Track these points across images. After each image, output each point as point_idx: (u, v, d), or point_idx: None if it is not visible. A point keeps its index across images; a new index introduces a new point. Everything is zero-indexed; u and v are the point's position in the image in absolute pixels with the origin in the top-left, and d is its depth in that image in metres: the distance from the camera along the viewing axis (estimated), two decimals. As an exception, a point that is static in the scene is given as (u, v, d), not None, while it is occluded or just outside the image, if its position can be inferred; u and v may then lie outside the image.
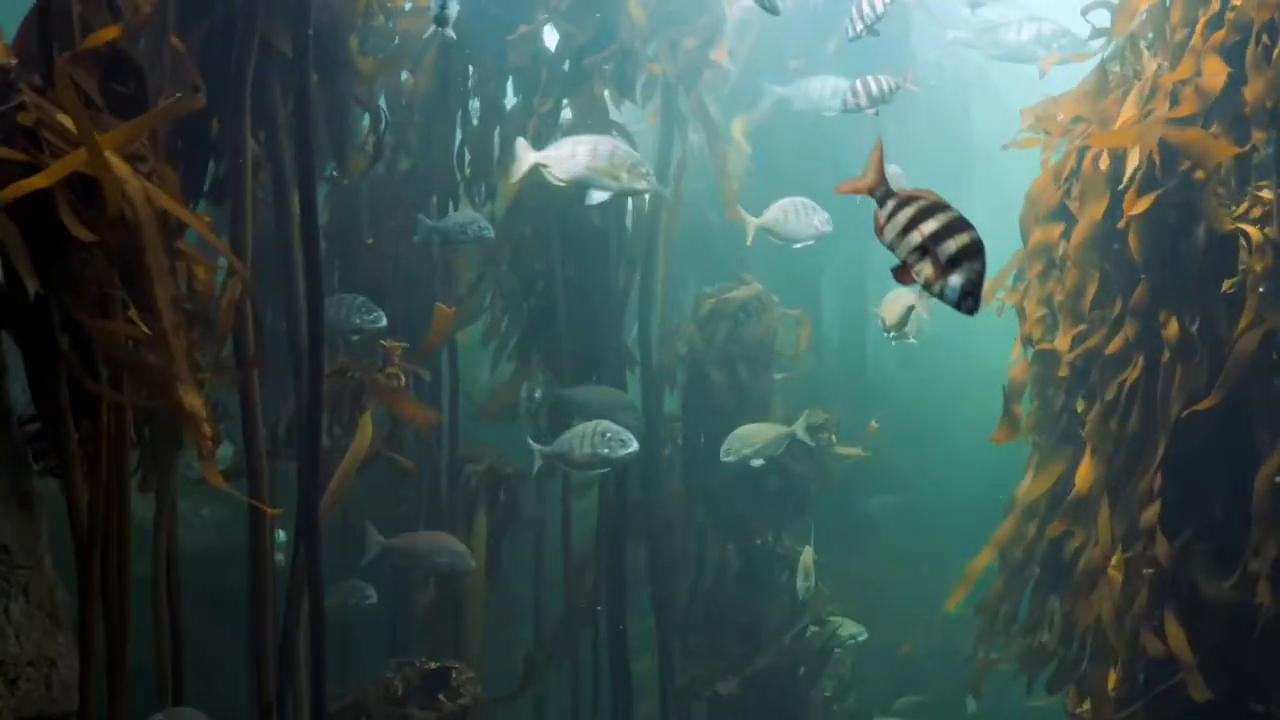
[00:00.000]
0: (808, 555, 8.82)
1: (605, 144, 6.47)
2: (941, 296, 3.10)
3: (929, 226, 3.07)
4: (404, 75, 8.29)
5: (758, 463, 8.46)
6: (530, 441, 7.83)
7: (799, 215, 7.79)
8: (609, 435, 7.34)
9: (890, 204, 3.16)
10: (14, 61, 4.42)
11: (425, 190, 8.48)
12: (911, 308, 7.57)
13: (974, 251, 3.02)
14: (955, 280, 3.04)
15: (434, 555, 7.76)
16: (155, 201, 4.37)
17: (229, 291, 5.42)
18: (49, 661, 4.28)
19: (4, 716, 4.09)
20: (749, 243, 7.77)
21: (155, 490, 5.32)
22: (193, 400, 4.48)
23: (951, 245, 3.03)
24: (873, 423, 9.53)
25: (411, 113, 8.34)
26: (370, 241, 8.28)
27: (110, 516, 4.49)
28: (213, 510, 5.69)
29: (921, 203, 3.10)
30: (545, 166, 6.59)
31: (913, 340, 7.85)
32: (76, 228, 4.15)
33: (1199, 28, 6.32)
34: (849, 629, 9.33)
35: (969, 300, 3.05)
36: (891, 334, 7.68)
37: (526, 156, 6.71)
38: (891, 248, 3.18)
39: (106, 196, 4.17)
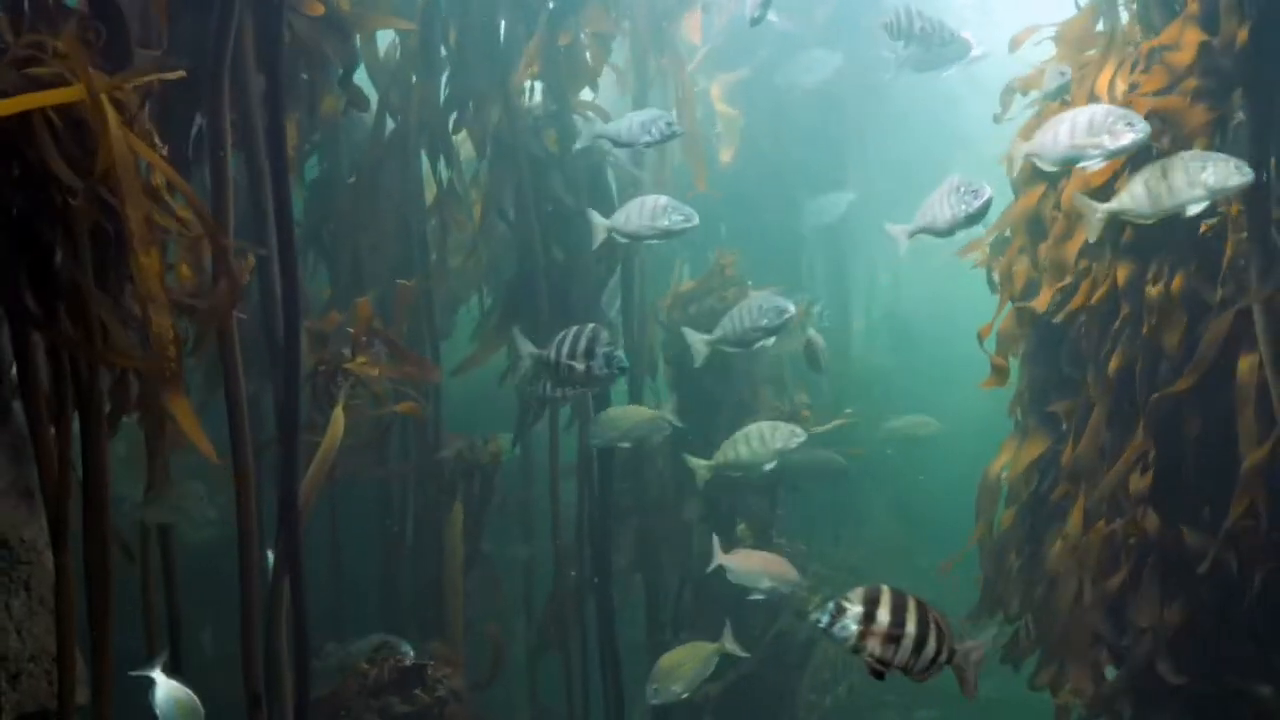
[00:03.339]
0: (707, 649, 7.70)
1: (1082, 114, 5.95)
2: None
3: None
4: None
5: (625, 445, 8.29)
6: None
7: (642, 214, 6.97)
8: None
9: None
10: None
11: (409, 153, 8.37)
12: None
13: None
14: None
15: (766, 578, 7.71)
16: (137, 151, 4.26)
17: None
18: (51, 657, 4.23)
19: (6, 712, 4.04)
20: (595, 246, 7.25)
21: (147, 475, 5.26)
22: (162, 320, 4.26)
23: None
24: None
25: (393, 75, 8.24)
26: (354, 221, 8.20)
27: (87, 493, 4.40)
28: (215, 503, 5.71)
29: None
30: (1036, 156, 6.19)
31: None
32: (64, 171, 4.07)
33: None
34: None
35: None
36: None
37: (1020, 148, 6.40)
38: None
39: (100, 146, 4.07)
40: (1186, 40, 6.22)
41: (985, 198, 6.21)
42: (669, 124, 6.97)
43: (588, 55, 8.51)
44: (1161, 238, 6.43)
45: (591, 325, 6.21)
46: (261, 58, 5.92)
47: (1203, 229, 6.27)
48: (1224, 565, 6.31)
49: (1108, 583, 6.72)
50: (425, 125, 8.33)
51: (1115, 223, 6.43)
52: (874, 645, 3.73)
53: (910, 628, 3.74)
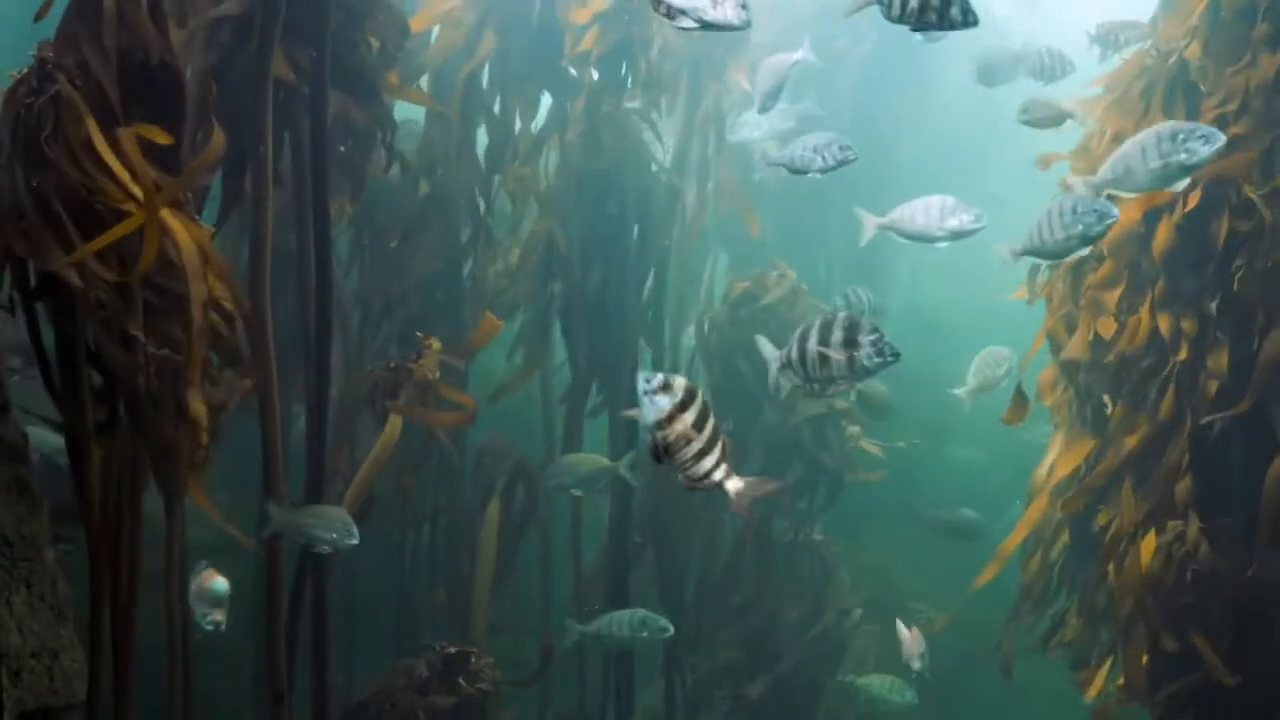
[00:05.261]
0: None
1: None
2: None
3: None
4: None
5: (576, 492, 8.14)
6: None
7: (929, 214, 6.33)
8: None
9: None
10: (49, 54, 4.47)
11: (452, 199, 8.59)
12: None
13: None
14: None
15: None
16: (202, 245, 4.54)
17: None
18: (52, 653, 4.28)
19: (8, 708, 4.10)
20: (863, 244, 6.67)
21: (165, 487, 5.37)
22: (197, 406, 4.52)
23: None
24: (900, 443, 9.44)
25: (442, 128, 8.49)
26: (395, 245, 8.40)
27: (122, 513, 4.56)
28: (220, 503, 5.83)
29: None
30: None
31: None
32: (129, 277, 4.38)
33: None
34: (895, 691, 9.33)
35: None
36: None
37: None
38: None
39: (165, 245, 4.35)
40: (1264, 63, 6.39)
41: (1218, 144, 5.53)
42: (842, 148, 6.43)
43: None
44: (1195, 292, 6.59)
45: (844, 313, 5.63)
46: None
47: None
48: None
49: (1158, 588, 6.70)
50: (466, 181, 8.62)
51: (1152, 274, 6.65)
52: (668, 433, 3.73)
53: (701, 440, 3.76)
